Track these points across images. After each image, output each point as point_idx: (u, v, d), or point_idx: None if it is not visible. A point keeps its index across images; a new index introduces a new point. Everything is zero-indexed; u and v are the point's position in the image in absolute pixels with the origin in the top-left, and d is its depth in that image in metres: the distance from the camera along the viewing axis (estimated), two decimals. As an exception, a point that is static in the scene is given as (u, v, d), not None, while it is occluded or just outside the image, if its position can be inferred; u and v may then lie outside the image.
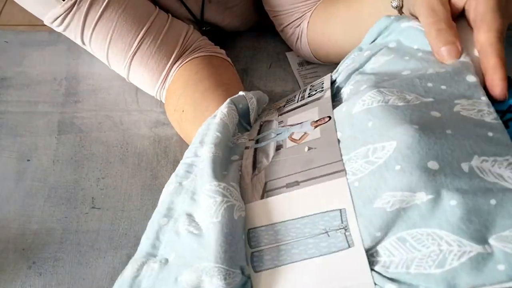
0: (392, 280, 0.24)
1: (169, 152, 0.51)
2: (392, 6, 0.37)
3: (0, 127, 0.53)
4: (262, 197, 0.29)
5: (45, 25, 0.47)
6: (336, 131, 0.29)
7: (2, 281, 0.42)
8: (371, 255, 0.25)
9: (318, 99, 0.34)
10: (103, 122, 0.54)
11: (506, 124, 0.26)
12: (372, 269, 0.25)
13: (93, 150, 0.51)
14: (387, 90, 0.28)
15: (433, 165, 0.24)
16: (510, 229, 0.23)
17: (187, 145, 0.52)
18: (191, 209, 0.31)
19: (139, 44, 0.47)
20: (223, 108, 0.37)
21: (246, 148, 0.35)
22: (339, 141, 0.29)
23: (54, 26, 0.46)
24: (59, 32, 0.48)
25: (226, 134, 0.35)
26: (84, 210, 0.47)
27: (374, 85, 0.29)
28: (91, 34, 0.46)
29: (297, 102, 0.37)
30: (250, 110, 0.39)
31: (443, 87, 0.28)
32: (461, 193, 0.23)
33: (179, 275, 0.28)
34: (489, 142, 0.25)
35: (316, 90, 0.36)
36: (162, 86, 0.50)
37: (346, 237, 0.26)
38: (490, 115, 0.26)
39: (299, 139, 0.31)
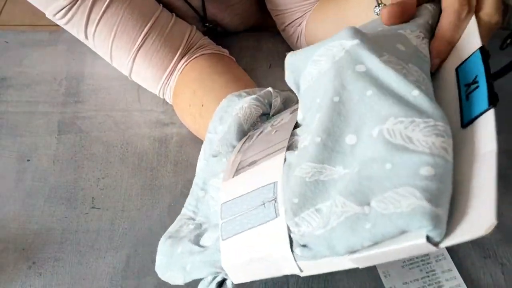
0: (303, 246, 0.27)
1: (169, 152, 0.51)
2: (375, 12, 0.38)
3: (0, 127, 0.53)
4: (233, 176, 0.33)
5: (45, 25, 0.47)
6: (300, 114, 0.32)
7: (2, 281, 0.42)
8: (296, 224, 0.26)
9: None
10: (103, 122, 0.54)
11: (467, 97, 0.26)
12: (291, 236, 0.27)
13: (93, 150, 0.51)
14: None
15: (350, 139, 0.26)
16: (392, 190, 0.22)
17: (188, 145, 0.52)
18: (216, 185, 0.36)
19: (144, 39, 0.46)
20: (245, 104, 0.39)
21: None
22: (297, 124, 0.32)
23: (56, 19, 0.46)
24: (59, 32, 0.48)
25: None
26: (84, 210, 0.47)
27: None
28: (95, 28, 0.46)
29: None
30: (272, 107, 0.41)
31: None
32: (360, 161, 0.24)
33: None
34: (413, 104, 0.25)
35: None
36: (166, 83, 0.49)
37: (275, 208, 0.28)
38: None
39: (275, 124, 0.35)
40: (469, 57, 0.28)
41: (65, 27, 0.47)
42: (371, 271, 0.44)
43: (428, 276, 0.44)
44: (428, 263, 0.44)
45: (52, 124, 0.54)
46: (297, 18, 0.56)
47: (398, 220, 0.22)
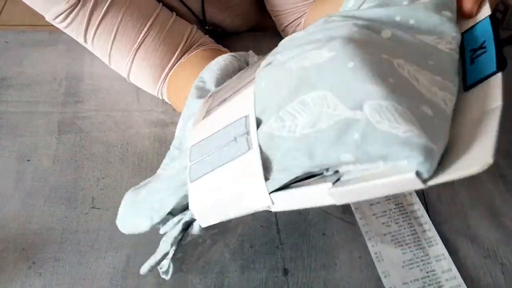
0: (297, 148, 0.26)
1: (169, 152, 0.51)
2: None
3: (0, 127, 0.53)
4: (203, 118, 0.32)
5: (45, 25, 0.47)
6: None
7: (2, 281, 0.42)
8: (280, 118, 0.26)
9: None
10: (103, 122, 0.54)
11: (472, 61, 0.26)
12: (279, 136, 0.26)
13: (93, 150, 0.51)
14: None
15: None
16: (391, 103, 0.21)
17: (187, 145, 0.52)
18: None
19: (143, 38, 0.46)
20: (221, 58, 0.41)
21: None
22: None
23: (56, 22, 0.46)
24: (59, 32, 0.48)
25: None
26: (84, 210, 0.47)
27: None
28: (95, 31, 0.46)
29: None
30: (249, 64, 0.41)
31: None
32: (360, 56, 0.23)
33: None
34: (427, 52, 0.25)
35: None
36: (164, 82, 0.49)
37: (247, 141, 0.27)
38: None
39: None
40: (477, 23, 0.28)
41: (65, 31, 0.48)
42: (371, 271, 0.44)
43: (428, 276, 0.44)
44: (428, 263, 0.44)
45: (52, 124, 0.54)
46: (296, 19, 0.56)
47: (390, 142, 0.20)
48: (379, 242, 0.46)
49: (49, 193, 0.48)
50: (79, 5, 0.44)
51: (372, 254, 0.45)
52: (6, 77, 0.58)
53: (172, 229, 0.32)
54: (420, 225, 0.47)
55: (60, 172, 0.49)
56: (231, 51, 0.53)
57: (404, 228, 0.47)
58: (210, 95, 0.36)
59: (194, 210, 0.29)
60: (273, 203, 0.26)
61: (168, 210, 0.32)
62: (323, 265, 0.44)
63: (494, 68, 0.25)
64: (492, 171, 0.50)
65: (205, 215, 0.29)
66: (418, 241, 0.46)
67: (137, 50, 0.47)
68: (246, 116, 0.28)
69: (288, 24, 0.57)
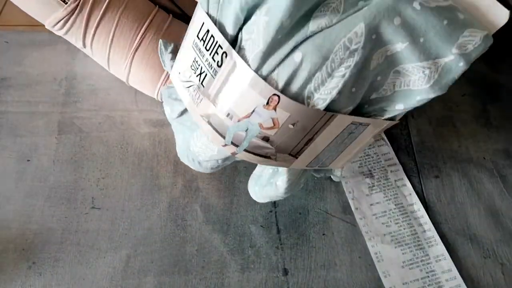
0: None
1: (169, 152, 0.51)
2: None
3: (0, 127, 0.53)
4: (296, 158, 0.36)
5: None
6: (296, 102, 0.31)
7: (2, 281, 0.42)
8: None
9: (234, 67, 0.32)
10: (103, 122, 0.54)
11: None
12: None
13: (93, 150, 0.51)
14: None
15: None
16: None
17: (187, 145, 0.52)
18: None
19: (140, 39, 0.47)
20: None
21: (234, 154, 0.36)
22: (308, 97, 0.31)
23: (55, 29, 0.46)
24: (59, 32, 0.48)
25: None
26: (84, 210, 0.47)
27: None
28: (93, 34, 0.46)
29: (213, 77, 0.34)
30: None
31: None
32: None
33: None
34: None
35: (216, 52, 0.33)
36: (164, 85, 0.49)
37: (362, 125, 0.34)
38: None
39: (275, 125, 0.33)
40: None
41: (65, 37, 0.48)
42: (371, 271, 0.44)
43: (428, 276, 0.44)
44: (428, 263, 0.44)
45: (52, 124, 0.54)
46: None
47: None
48: (379, 242, 0.46)
49: (49, 193, 0.48)
50: (76, 11, 0.44)
51: (372, 254, 0.45)
52: (6, 77, 0.58)
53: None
54: (420, 225, 0.47)
55: (60, 172, 0.49)
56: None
57: (404, 228, 0.47)
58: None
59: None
60: None
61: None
62: (323, 265, 0.44)
63: None
64: (492, 171, 0.50)
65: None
66: (418, 241, 0.46)
67: (135, 51, 0.47)
68: (351, 123, 0.33)
69: None
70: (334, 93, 0.30)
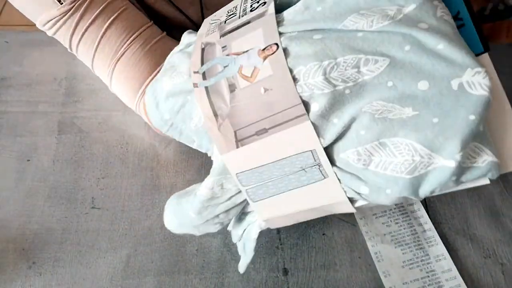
0: (366, 183, 0.30)
1: (169, 152, 0.51)
2: None
3: (0, 127, 0.53)
4: (237, 146, 0.33)
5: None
6: (287, 65, 0.31)
7: (2, 281, 0.42)
8: (356, 152, 0.30)
9: (261, 15, 0.34)
10: (103, 122, 0.54)
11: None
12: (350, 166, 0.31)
13: (93, 150, 0.51)
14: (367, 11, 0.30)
15: (423, 84, 0.28)
16: (472, 143, 0.28)
17: (188, 145, 0.52)
18: None
19: (125, 50, 0.46)
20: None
21: (195, 85, 0.35)
22: (294, 78, 0.31)
23: (45, 28, 0.46)
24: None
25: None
26: (84, 210, 0.47)
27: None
28: (81, 38, 0.46)
29: (239, 17, 0.36)
30: None
31: None
32: (442, 113, 0.27)
33: None
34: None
35: (258, 1, 0.36)
36: (141, 97, 0.47)
37: (320, 171, 0.31)
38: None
39: (251, 76, 0.32)
40: None
41: (54, 37, 0.47)
42: (371, 271, 0.44)
43: (428, 276, 0.44)
44: (428, 263, 0.44)
45: (52, 124, 0.54)
46: None
47: (476, 172, 0.28)
48: (379, 242, 0.46)
49: (49, 193, 0.48)
50: (69, 12, 0.44)
51: (372, 254, 0.45)
52: (6, 77, 0.58)
53: (243, 232, 0.39)
54: (420, 225, 0.47)
55: (60, 172, 0.49)
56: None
57: (404, 228, 0.47)
58: (226, 117, 0.34)
59: (264, 219, 0.36)
60: (355, 209, 0.33)
61: (236, 215, 0.38)
62: (323, 265, 0.44)
63: (481, 49, 0.29)
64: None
65: (273, 222, 0.37)
66: (418, 241, 0.46)
67: (117, 60, 0.46)
68: (312, 151, 0.31)
69: None
70: (324, 91, 0.29)
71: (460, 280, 0.43)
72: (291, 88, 0.31)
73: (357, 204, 0.33)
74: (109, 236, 0.45)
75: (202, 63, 0.35)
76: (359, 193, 0.31)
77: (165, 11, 0.52)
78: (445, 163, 0.27)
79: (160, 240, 0.45)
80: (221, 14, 0.39)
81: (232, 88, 0.33)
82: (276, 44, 0.31)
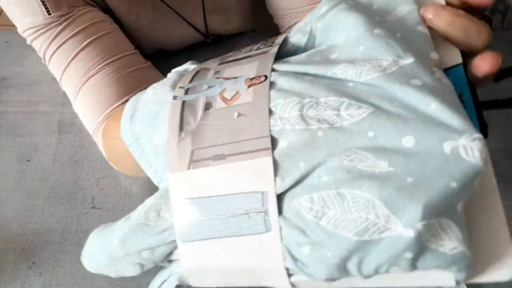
0: (308, 242, 0.25)
1: (169, 152, 0.51)
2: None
3: (0, 127, 0.53)
4: (188, 167, 0.29)
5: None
6: (269, 96, 0.28)
7: (2, 281, 0.42)
8: (311, 199, 0.25)
9: (263, 53, 0.32)
10: (103, 122, 0.54)
11: None
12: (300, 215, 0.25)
13: (93, 150, 0.51)
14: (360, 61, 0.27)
15: (408, 141, 0.23)
16: (436, 219, 0.22)
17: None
18: None
19: (97, 71, 0.44)
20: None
21: (174, 98, 0.32)
22: (270, 111, 0.27)
23: (25, 35, 0.45)
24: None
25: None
26: (84, 210, 0.47)
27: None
28: (56, 49, 0.44)
29: (243, 53, 0.34)
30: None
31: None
32: (421, 174, 0.23)
33: None
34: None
35: (265, 45, 0.34)
36: (100, 125, 0.44)
37: (265, 221, 0.26)
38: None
39: (230, 99, 0.30)
40: (451, 67, 0.27)
41: (31, 44, 0.46)
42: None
43: (428, 276, 0.44)
44: (428, 263, 0.44)
45: (52, 124, 0.54)
46: (297, 23, 0.56)
47: (440, 260, 0.22)
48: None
49: (49, 193, 0.48)
50: (53, 24, 0.43)
51: None
52: (6, 77, 0.58)
53: (161, 284, 0.32)
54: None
55: (60, 172, 0.49)
56: (230, 51, 0.54)
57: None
58: (183, 129, 0.30)
59: (187, 270, 0.29)
60: (293, 287, 0.26)
61: (160, 259, 0.31)
62: (323, 265, 0.44)
63: None
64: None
65: (199, 277, 0.29)
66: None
67: (86, 80, 0.44)
68: (263, 193, 0.26)
69: (289, 27, 0.57)
70: (296, 128, 0.26)
71: (460, 280, 0.43)
72: (264, 118, 0.27)
73: (293, 279, 0.27)
74: (109, 236, 0.45)
75: (190, 82, 0.33)
76: (297, 259, 0.26)
77: (169, 20, 0.53)
78: (402, 231, 0.22)
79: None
80: (229, 54, 0.37)
81: (207, 106, 0.30)
82: (265, 76, 0.29)
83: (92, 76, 0.44)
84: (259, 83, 0.29)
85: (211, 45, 0.61)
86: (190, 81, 0.33)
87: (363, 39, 0.27)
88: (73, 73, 0.44)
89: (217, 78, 0.32)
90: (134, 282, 0.43)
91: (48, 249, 0.44)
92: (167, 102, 0.32)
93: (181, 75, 0.35)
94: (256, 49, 0.34)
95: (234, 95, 0.30)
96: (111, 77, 0.44)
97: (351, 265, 0.24)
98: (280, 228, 0.26)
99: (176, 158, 0.29)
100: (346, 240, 0.23)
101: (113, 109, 0.43)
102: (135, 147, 0.35)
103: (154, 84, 0.35)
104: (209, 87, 0.31)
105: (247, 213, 0.26)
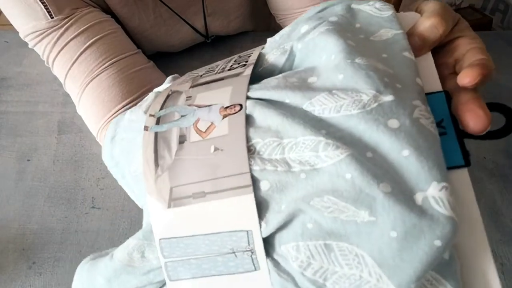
0: (298, 286, 0.24)
1: (169, 152, 0.51)
2: None
3: (0, 127, 0.53)
4: (169, 206, 0.28)
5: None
6: (246, 130, 0.27)
7: (2, 281, 0.42)
8: (296, 248, 0.24)
9: (236, 75, 0.31)
10: (103, 122, 0.54)
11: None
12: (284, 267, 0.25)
13: (93, 150, 0.51)
14: (340, 91, 0.26)
15: (385, 186, 0.23)
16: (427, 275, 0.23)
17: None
18: None
19: (100, 72, 0.44)
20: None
21: (146, 129, 0.31)
22: (249, 149, 0.26)
23: (27, 39, 0.45)
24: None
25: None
26: (84, 210, 0.47)
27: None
28: (59, 51, 0.44)
29: (215, 73, 0.33)
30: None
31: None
32: (402, 228, 0.22)
33: None
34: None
35: (239, 63, 0.33)
36: (103, 127, 0.44)
37: (252, 260, 0.26)
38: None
39: (205, 132, 0.28)
40: (431, 93, 0.27)
41: (34, 48, 0.46)
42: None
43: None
44: (428, 263, 0.44)
45: (52, 124, 0.54)
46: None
47: None
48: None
49: (49, 193, 0.48)
50: (56, 26, 0.43)
51: None
52: (6, 77, 0.58)
53: None
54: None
55: (60, 172, 0.49)
56: (234, 52, 0.54)
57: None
58: (159, 165, 0.29)
59: None
60: None
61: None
62: (323, 265, 0.44)
63: (461, 162, 0.25)
64: (492, 171, 0.50)
65: None
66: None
67: (90, 81, 0.44)
68: (248, 231, 0.26)
69: None
70: (278, 169, 0.25)
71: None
72: (242, 153, 0.26)
73: None
74: (109, 236, 0.45)
75: (162, 109, 0.31)
76: None
77: (169, 21, 0.53)
78: None
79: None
80: (202, 69, 0.35)
81: (182, 139, 0.29)
82: (240, 105, 0.28)
83: (96, 76, 0.44)
84: (234, 113, 0.28)
85: (211, 45, 0.61)
86: (161, 107, 0.31)
87: (343, 67, 0.26)
88: (77, 74, 0.44)
89: (190, 105, 0.30)
90: (134, 282, 0.43)
91: (48, 249, 0.44)
92: (141, 130, 0.31)
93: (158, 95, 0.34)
94: (229, 69, 0.32)
95: (209, 126, 0.28)
96: (115, 77, 0.44)
97: None
98: (269, 271, 0.25)
99: (155, 197, 0.28)
100: None
101: (117, 111, 0.43)
102: (115, 170, 0.35)
103: (132, 108, 0.34)
104: (181, 116, 0.30)
105: (233, 252, 0.26)
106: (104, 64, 0.44)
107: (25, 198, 0.47)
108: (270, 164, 0.26)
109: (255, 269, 0.26)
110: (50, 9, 0.42)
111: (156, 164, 0.29)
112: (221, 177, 0.26)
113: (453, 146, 0.25)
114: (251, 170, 0.26)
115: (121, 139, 0.34)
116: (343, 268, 0.23)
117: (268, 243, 0.26)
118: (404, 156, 0.23)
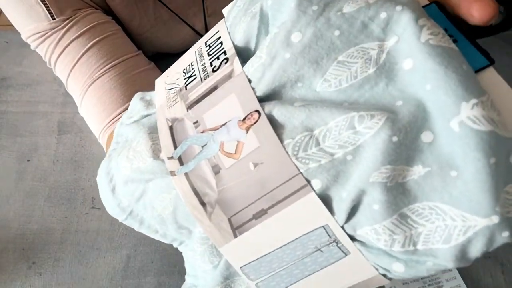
0: (398, 259, 0.24)
1: (169, 152, 0.51)
2: None
3: (0, 127, 0.53)
4: (235, 236, 0.27)
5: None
6: (273, 131, 0.25)
7: (2, 281, 0.42)
8: (374, 231, 0.24)
9: (228, 76, 0.28)
10: (103, 122, 0.54)
11: None
12: (376, 248, 0.25)
13: (93, 150, 0.51)
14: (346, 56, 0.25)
15: (426, 135, 0.23)
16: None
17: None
18: None
19: (102, 74, 0.44)
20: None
21: (172, 174, 0.29)
22: (282, 142, 0.25)
23: (29, 41, 0.45)
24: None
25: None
26: (84, 210, 0.47)
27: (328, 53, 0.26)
28: (61, 52, 0.44)
29: (202, 81, 0.30)
30: None
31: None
32: (455, 163, 0.22)
33: None
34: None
35: (217, 57, 0.30)
36: (107, 128, 0.44)
37: (340, 248, 0.26)
38: None
39: (236, 153, 0.27)
40: (423, 6, 0.26)
41: (36, 50, 0.46)
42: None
43: (428, 277, 0.44)
44: (428, 263, 0.44)
45: (52, 124, 0.54)
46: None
47: None
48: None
49: (49, 193, 0.48)
50: (58, 27, 0.43)
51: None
52: (6, 77, 0.58)
53: None
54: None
55: (60, 172, 0.49)
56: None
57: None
58: (215, 203, 0.28)
59: None
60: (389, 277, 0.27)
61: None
62: (323, 265, 0.44)
63: (485, 61, 0.24)
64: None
65: None
66: (418, 241, 0.46)
67: (92, 83, 0.44)
68: (324, 226, 0.25)
69: None
70: (321, 163, 0.24)
71: (460, 280, 0.43)
72: (284, 157, 0.25)
73: (391, 275, 0.27)
74: (109, 236, 0.45)
75: (175, 145, 0.29)
76: (390, 271, 0.26)
77: (168, 23, 0.53)
78: (484, 222, 0.22)
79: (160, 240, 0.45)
80: (174, 74, 0.32)
81: (216, 169, 0.27)
82: (257, 111, 0.26)
83: (98, 79, 0.44)
84: (255, 123, 0.26)
85: (211, 45, 0.62)
86: (174, 145, 0.29)
87: (334, 20, 0.25)
88: (78, 76, 0.44)
89: (203, 131, 0.28)
90: (134, 282, 0.43)
91: (48, 249, 0.44)
92: (151, 179, 0.30)
93: (144, 127, 0.32)
94: (214, 70, 0.30)
95: (237, 146, 0.27)
96: (116, 80, 0.44)
97: (454, 264, 0.24)
98: (360, 251, 0.25)
99: (217, 233, 0.28)
100: (439, 251, 0.23)
101: (119, 113, 0.43)
102: (131, 220, 0.33)
103: (127, 154, 0.31)
104: (202, 147, 0.28)
105: (318, 249, 0.26)
106: (106, 66, 0.44)
107: (25, 198, 0.47)
108: (311, 162, 0.25)
109: (346, 255, 0.26)
110: (52, 11, 0.42)
111: (203, 204, 0.28)
112: (273, 189, 0.26)
113: (469, 49, 0.24)
114: (300, 172, 0.25)
115: (127, 191, 0.32)
116: (425, 226, 0.23)
117: (345, 232, 0.25)
118: (427, 91, 0.23)
